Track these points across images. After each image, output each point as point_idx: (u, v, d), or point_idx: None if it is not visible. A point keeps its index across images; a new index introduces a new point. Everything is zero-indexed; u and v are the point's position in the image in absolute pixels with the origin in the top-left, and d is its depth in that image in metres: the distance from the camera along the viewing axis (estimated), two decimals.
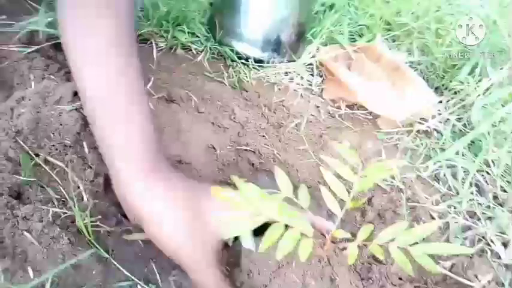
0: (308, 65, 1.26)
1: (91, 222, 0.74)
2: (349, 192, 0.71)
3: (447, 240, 0.88)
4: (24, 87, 0.92)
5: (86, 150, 0.83)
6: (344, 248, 0.71)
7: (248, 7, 1.16)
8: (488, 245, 0.87)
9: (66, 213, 0.73)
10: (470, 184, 0.97)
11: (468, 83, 1.10)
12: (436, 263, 0.81)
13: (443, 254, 0.67)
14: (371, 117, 1.16)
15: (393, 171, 0.76)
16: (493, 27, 1.13)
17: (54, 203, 0.74)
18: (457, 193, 0.97)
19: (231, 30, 1.18)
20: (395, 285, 0.81)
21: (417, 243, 0.61)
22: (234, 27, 1.17)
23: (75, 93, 0.88)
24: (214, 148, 0.97)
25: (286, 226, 0.62)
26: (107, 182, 0.83)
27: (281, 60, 1.22)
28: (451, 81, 1.19)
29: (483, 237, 0.88)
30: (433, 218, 0.92)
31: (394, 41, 1.30)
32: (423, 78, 1.23)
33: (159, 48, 1.20)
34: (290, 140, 1.07)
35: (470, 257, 0.83)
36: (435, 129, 1.11)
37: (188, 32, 1.21)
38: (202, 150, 0.95)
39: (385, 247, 0.62)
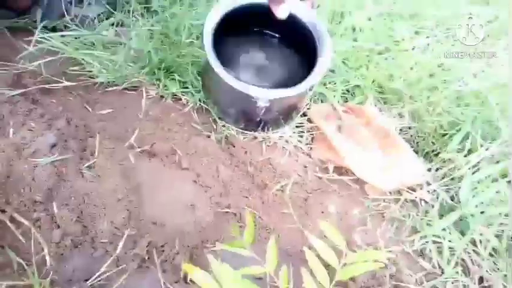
0: (299, 123, 1.24)
1: None
2: (331, 278, 0.67)
3: None
4: (3, 134, 0.89)
5: (56, 208, 0.79)
6: None
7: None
8: None
9: (24, 280, 0.68)
10: (456, 263, 0.94)
11: (457, 154, 1.08)
12: None
13: None
14: (358, 183, 1.13)
15: (380, 264, 0.73)
16: (485, 101, 1.13)
17: (13, 268, 0.69)
18: (442, 272, 0.93)
19: (213, 99, 1.14)
20: None
21: None
22: (215, 99, 1.13)
23: (54, 145, 0.86)
24: (193, 209, 0.94)
25: None
26: (75, 243, 0.78)
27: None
28: (439, 152, 1.18)
29: None
30: None
31: (385, 103, 1.30)
32: (413, 143, 1.22)
33: (148, 96, 1.18)
34: (274, 202, 1.04)
35: None
36: (423, 200, 1.09)
37: (179, 81, 1.20)
38: (180, 210, 0.92)
39: None
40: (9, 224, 0.74)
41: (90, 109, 1.08)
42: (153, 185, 0.92)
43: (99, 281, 0.77)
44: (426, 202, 1.10)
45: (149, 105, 1.16)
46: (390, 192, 1.10)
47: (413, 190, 1.10)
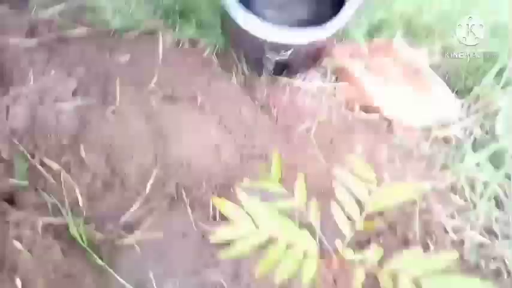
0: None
1: (86, 228, 0.71)
2: (361, 211, 0.66)
3: (461, 258, 0.83)
4: (23, 82, 0.89)
5: (84, 151, 0.79)
6: (352, 267, 0.67)
7: None
8: (506, 265, 0.82)
9: (59, 220, 0.70)
10: (489, 198, 0.91)
11: (493, 88, 1.02)
12: None
13: None
14: (386, 121, 1.09)
15: (411, 196, 0.71)
16: None
17: (48, 209, 0.71)
18: (474, 207, 0.91)
19: (235, 45, 1.09)
20: None
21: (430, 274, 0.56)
22: (237, 45, 1.07)
23: (75, 91, 0.85)
24: (218, 150, 0.93)
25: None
26: (105, 185, 0.79)
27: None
28: (474, 86, 1.11)
29: (500, 257, 0.82)
30: (447, 232, 0.86)
31: (414, 39, 1.22)
32: (445, 79, 1.16)
33: (165, 42, 1.15)
34: (299, 143, 1.02)
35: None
36: (455, 136, 1.04)
37: (196, 23, 1.15)
38: (206, 152, 0.91)
39: (395, 276, 0.57)
40: (40, 168, 0.76)
41: (107, 56, 1.06)
42: (177, 128, 0.91)
43: (132, 219, 0.78)
44: (458, 139, 1.06)
45: (167, 51, 1.13)
46: (420, 130, 1.06)
47: (445, 127, 1.06)
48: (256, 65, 1.06)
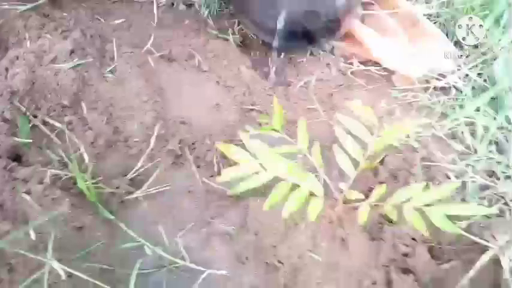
0: None
1: (93, 183, 0.72)
2: (363, 152, 0.67)
3: (463, 200, 0.85)
4: (20, 46, 0.88)
5: (85, 110, 0.80)
6: (356, 209, 0.68)
7: None
8: (507, 204, 0.84)
9: (67, 175, 0.70)
10: (490, 142, 0.92)
11: (490, 35, 1.02)
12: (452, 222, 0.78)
13: (463, 214, 0.63)
14: (385, 74, 1.09)
15: (411, 131, 0.72)
16: None
17: (54, 165, 0.72)
18: (475, 152, 0.92)
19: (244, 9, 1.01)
20: (407, 246, 0.78)
21: (432, 204, 0.58)
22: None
23: (72, 51, 0.84)
24: (218, 108, 0.93)
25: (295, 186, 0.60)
26: (108, 143, 0.80)
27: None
28: None
29: (502, 197, 0.84)
30: (449, 178, 0.87)
31: None
32: (443, 30, 1.15)
33: (160, 4, 1.13)
34: (299, 99, 1.02)
35: (488, 217, 0.79)
36: (454, 86, 1.05)
37: None
38: (206, 110, 0.92)
39: (399, 207, 0.58)
40: (43, 127, 0.76)
41: (102, 20, 1.05)
42: (176, 87, 0.91)
43: (138, 175, 0.79)
44: (457, 89, 1.06)
45: (161, 14, 1.12)
46: (419, 82, 1.06)
47: (444, 76, 1.06)
48: (266, 34, 1.00)
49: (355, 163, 0.66)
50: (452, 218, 0.79)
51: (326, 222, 0.68)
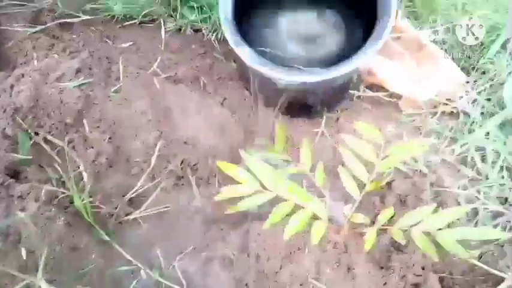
0: None
1: (90, 203, 0.70)
2: (369, 174, 0.65)
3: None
4: (27, 65, 0.89)
5: (87, 129, 0.79)
6: (362, 234, 0.65)
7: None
8: None
9: (64, 193, 0.69)
10: (501, 168, 0.89)
11: (497, 61, 1.00)
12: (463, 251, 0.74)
13: (473, 240, 0.60)
14: (392, 98, 1.08)
15: (418, 151, 0.70)
16: None
17: (52, 183, 0.70)
18: (487, 178, 0.89)
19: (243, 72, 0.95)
20: (417, 276, 0.74)
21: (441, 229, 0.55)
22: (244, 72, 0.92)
23: (79, 70, 0.85)
24: (223, 130, 0.92)
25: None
26: (109, 162, 0.79)
27: None
28: (478, 61, 1.10)
29: None
30: (459, 204, 0.84)
31: (416, 18, 1.21)
32: (449, 56, 1.14)
33: (167, 29, 1.15)
34: (304, 123, 1.01)
35: (502, 246, 0.75)
36: (462, 111, 1.03)
37: (197, 8, 1.14)
38: (209, 131, 0.90)
39: (407, 232, 0.55)
40: (44, 145, 0.75)
41: (110, 43, 1.06)
42: (180, 108, 0.91)
43: (137, 196, 0.78)
44: (465, 113, 1.04)
45: (169, 38, 1.13)
46: (426, 107, 1.05)
47: (451, 101, 1.04)
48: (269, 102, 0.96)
49: (361, 185, 0.63)
50: (464, 247, 0.75)
51: (331, 247, 0.65)
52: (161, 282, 0.69)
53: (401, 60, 1.06)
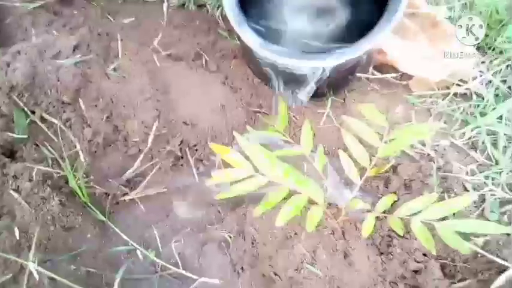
0: None
1: (86, 183, 0.69)
2: (371, 158, 0.62)
3: (482, 215, 0.78)
4: (26, 42, 0.87)
5: (85, 108, 0.78)
6: (361, 220, 0.63)
7: None
8: None
9: (58, 173, 0.68)
10: None
11: None
12: (467, 238, 0.71)
13: (475, 232, 0.57)
14: (402, 79, 1.03)
15: (425, 135, 0.66)
16: None
17: (48, 162, 0.70)
18: (497, 163, 0.85)
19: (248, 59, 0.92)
20: (418, 262, 0.72)
21: (445, 218, 0.52)
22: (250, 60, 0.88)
23: (76, 47, 0.83)
24: (224, 109, 0.90)
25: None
26: (107, 142, 0.78)
27: None
28: (495, 40, 1.04)
29: None
30: (466, 190, 0.81)
31: None
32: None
33: (170, 4, 1.11)
34: (309, 103, 0.97)
35: (508, 234, 0.72)
36: (475, 92, 0.98)
37: None
38: (210, 111, 0.88)
39: (407, 221, 0.53)
40: (40, 123, 0.74)
41: (111, 18, 1.04)
42: (180, 86, 0.88)
43: (135, 176, 0.77)
44: (478, 95, 0.99)
45: (171, 13, 1.09)
46: (438, 88, 1.00)
47: (465, 82, 0.99)
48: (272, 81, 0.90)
49: (363, 170, 0.61)
50: (468, 234, 0.73)
51: (328, 232, 0.63)
52: (157, 262, 0.69)
53: (414, 39, 1.01)
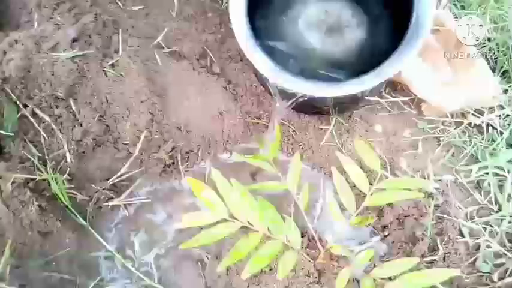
0: None
1: (70, 186, 0.69)
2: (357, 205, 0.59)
3: (473, 264, 0.75)
4: (28, 27, 0.85)
5: (78, 105, 0.76)
6: (339, 267, 0.61)
7: None
8: None
9: (41, 175, 0.67)
10: None
11: None
12: None
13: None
14: (413, 105, 0.97)
15: (416, 195, 0.63)
16: None
17: (32, 162, 0.69)
18: (499, 209, 0.81)
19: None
20: None
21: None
22: None
23: (75, 40, 0.80)
24: (222, 117, 0.87)
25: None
26: (96, 142, 0.76)
27: None
28: None
29: None
30: (462, 236, 0.77)
31: (463, 7, 1.06)
32: (490, 58, 1.01)
33: None
34: (312, 117, 0.93)
35: None
36: (491, 126, 0.92)
37: None
38: (207, 117, 0.85)
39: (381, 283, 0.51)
40: (31, 118, 0.73)
41: (120, 5, 1.00)
42: (179, 89, 0.86)
43: (121, 181, 0.76)
44: (494, 128, 0.93)
45: (184, 3, 1.05)
46: (452, 115, 0.94)
47: (481, 113, 0.93)
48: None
49: (348, 214, 0.58)
50: None
51: (303, 274, 0.61)
52: (133, 272, 0.69)
53: (434, 60, 0.94)
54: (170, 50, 0.91)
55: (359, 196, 0.62)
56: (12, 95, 0.72)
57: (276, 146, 0.66)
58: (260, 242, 0.52)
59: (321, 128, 0.92)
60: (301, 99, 0.70)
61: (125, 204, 0.75)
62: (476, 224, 0.78)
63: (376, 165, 0.60)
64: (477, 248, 0.76)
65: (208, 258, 0.68)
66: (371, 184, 0.62)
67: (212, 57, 0.94)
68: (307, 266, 0.60)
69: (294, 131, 0.90)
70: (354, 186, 0.64)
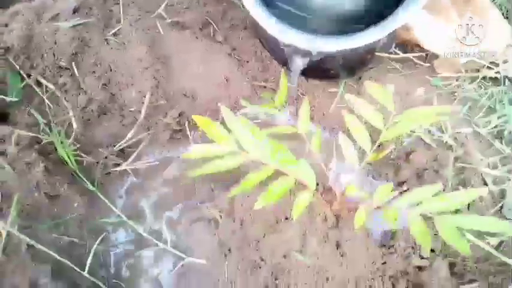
0: None
1: (76, 151, 0.67)
2: (374, 142, 0.56)
3: (500, 212, 0.71)
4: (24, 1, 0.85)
5: (82, 73, 0.75)
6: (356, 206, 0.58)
7: None
8: None
9: (48, 139, 0.66)
10: None
11: None
12: (480, 237, 0.65)
13: (479, 230, 0.50)
14: (426, 59, 0.94)
15: (433, 120, 0.60)
16: None
17: (38, 128, 0.68)
18: None
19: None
20: (423, 258, 0.66)
21: (458, 211, 0.46)
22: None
23: (76, 10, 0.79)
24: (228, 83, 0.85)
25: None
26: (102, 110, 0.75)
27: None
28: None
29: None
30: (486, 184, 0.74)
31: None
32: (503, 8, 0.97)
33: None
34: (321, 81, 0.91)
35: None
36: (506, 77, 0.88)
37: None
38: (213, 83, 0.84)
39: (403, 213, 0.47)
40: (35, 87, 0.72)
41: None
42: (183, 56, 0.84)
43: (129, 147, 0.74)
44: (510, 80, 0.89)
45: None
46: (466, 70, 0.91)
47: (496, 65, 0.89)
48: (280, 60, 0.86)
49: (362, 153, 0.55)
50: (483, 234, 0.66)
51: (320, 220, 0.58)
52: (145, 236, 0.67)
53: (444, 14, 0.91)
54: (171, 20, 0.90)
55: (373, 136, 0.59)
56: (15, 64, 0.71)
57: (283, 94, 0.64)
58: (272, 178, 0.49)
59: (331, 92, 0.90)
60: (312, 60, 0.68)
61: (133, 170, 0.73)
62: (500, 172, 0.74)
63: (389, 103, 0.58)
64: (501, 195, 0.72)
65: (221, 217, 0.66)
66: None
67: (215, 26, 0.93)
68: (324, 211, 0.57)
69: (301, 93, 0.87)
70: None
